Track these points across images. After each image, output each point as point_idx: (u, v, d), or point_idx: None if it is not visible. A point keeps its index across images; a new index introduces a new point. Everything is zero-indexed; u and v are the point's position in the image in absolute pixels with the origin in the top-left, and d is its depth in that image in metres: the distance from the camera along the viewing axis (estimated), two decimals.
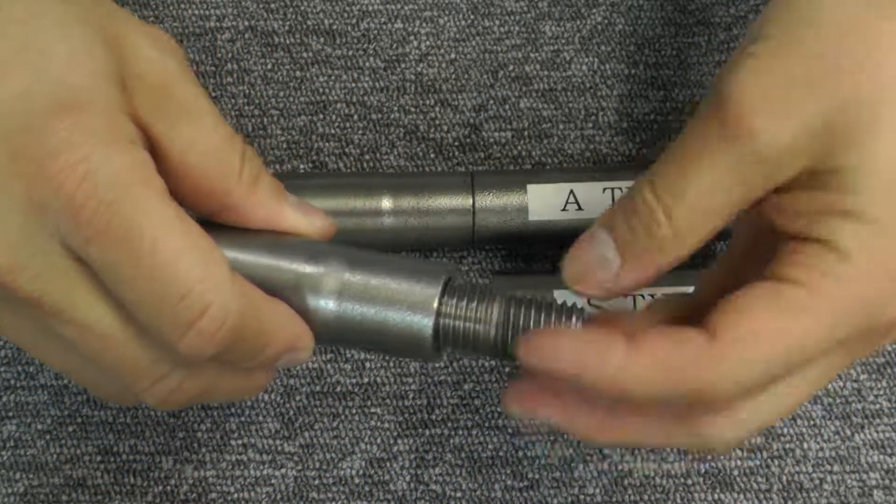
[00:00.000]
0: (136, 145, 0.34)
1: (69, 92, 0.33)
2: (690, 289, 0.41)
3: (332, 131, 0.53)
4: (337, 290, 0.36)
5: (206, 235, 0.34)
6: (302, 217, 0.38)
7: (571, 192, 0.48)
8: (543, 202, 0.48)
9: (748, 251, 0.39)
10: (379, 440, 0.50)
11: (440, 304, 0.36)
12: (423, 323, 0.36)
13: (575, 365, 0.34)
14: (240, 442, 0.50)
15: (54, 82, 0.33)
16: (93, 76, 0.34)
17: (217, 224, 0.37)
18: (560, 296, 0.47)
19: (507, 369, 0.50)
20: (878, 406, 0.50)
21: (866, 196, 0.35)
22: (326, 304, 0.36)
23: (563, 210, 0.48)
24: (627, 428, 0.36)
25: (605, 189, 0.48)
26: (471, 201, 0.48)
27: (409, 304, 0.36)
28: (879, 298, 0.35)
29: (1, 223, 0.33)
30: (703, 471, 0.49)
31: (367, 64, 0.53)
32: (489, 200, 0.48)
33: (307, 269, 0.36)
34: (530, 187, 0.48)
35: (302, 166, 0.52)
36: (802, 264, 0.35)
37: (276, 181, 0.38)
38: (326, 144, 0.52)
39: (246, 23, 0.53)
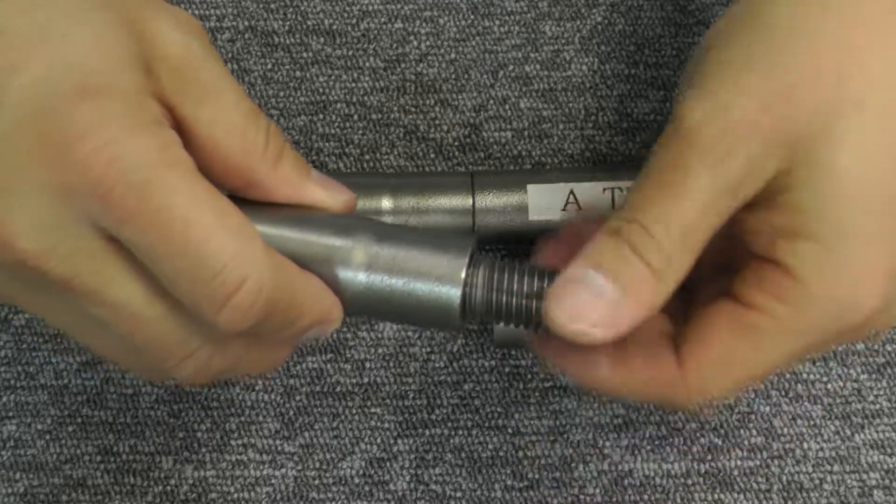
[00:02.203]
0: (162, 125, 0.34)
1: (92, 76, 0.33)
2: None
3: (332, 131, 0.53)
4: (366, 263, 0.37)
5: (238, 210, 0.35)
6: (325, 192, 0.38)
7: (571, 192, 0.48)
8: (543, 202, 0.48)
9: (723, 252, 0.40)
10: (379, 440, 0.50)
11: (467, 274, 0.37)
12: (452, 294, 0.36)
13: (575, 370, 0.39)
14: (240, 442, 0.50)
15: (77, 66, 0.33)
16: (115, 60, 0.34)
17: (244, 199, 0.37)
18: None
19: (506, 370, 0.50)
20: (878, 406, 0.50)
21: (817, 215, 0.35)
22: (356, 276, 0.37)
23: (563, 210, 0.48)
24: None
25: (605, 189, 0.48)
26: (471, 201, 0.48)
27: (437, 275, 0.36)
28: (836, 314, 0.36)
29: (29, 208, 0.33)
30: (703, 471, 0.49)
31: (367, 64, 0.53)
32: (489, 200, 0.48)
33: (336, 241, 0.37)
34: (530, 187, 0.48)
35: None
36: (761, 288, 0.36)
37: (300, 157, 0.38)
38: (326, 144, 0.52)
39: (246, 23, 0.53)
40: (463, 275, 0.36)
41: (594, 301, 0.35)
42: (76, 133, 0.32)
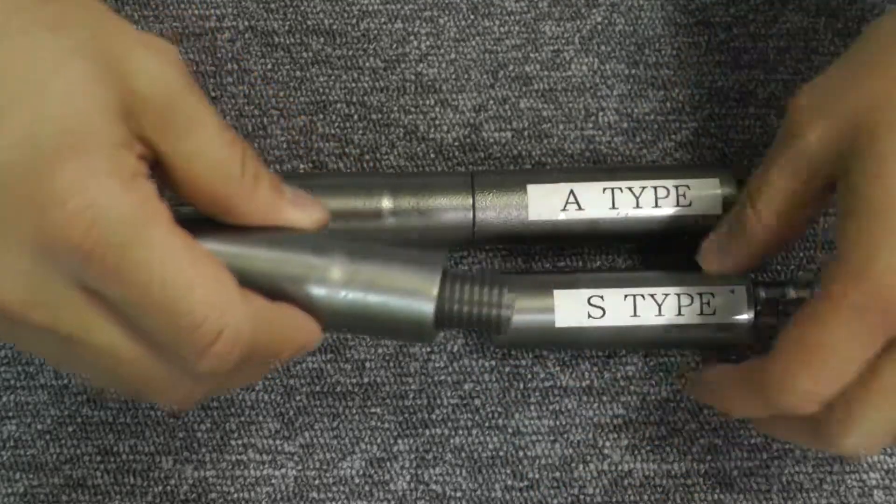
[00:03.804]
0: (139, 178, 0.35)
1: (69, 134, 0.33)
2: None
3: (332, 131, 0.53)
4: (342, 281, 0.38)
5: (215, 259, 0.36)
6: (299, 212, 0.39)
7: (571, 192, 0.48)
8: (543, 202, 0.48)
9: None
10: (379, 440, 0.50)
11: (440, 289, 0.38)
12: (425, 308, 0.38)
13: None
14: (240, 442, 0.50)
15: (54, 125, 0.33)
16: (94, 112, 0.34)
17: (221, 225, 0.38)
18: (559, 295, 0.47)
19: (506, 369, 0.50)
20: None
21: (862, 194, 0.38)
22: (333, 294, 0.38)
23: (563, 210, 0.48)
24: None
25: (604, 189, 0.48)
26: (471, 201, 0.48)
27: (411, 291, 0.38)
28: (877, 282, 0.38)
29: (10, 262, 0.34)
30: (703, 471, 0.49)
31: (367, 64, 0.53)
32: (489, 200, 0.48)
33: (313, 261, 0.38)
34: (530, 187, 0.48)
35: (302, 166, 0.52)
36: (826, 276, 0.39)
37: (274, 178, 0.39)
38: (326, 144, 0.52)
39: (246, 23, 0.53)
40: (435, 290, 0.38)
41: (719, 249, 0.46)
42: (57, 196, 0.33)
